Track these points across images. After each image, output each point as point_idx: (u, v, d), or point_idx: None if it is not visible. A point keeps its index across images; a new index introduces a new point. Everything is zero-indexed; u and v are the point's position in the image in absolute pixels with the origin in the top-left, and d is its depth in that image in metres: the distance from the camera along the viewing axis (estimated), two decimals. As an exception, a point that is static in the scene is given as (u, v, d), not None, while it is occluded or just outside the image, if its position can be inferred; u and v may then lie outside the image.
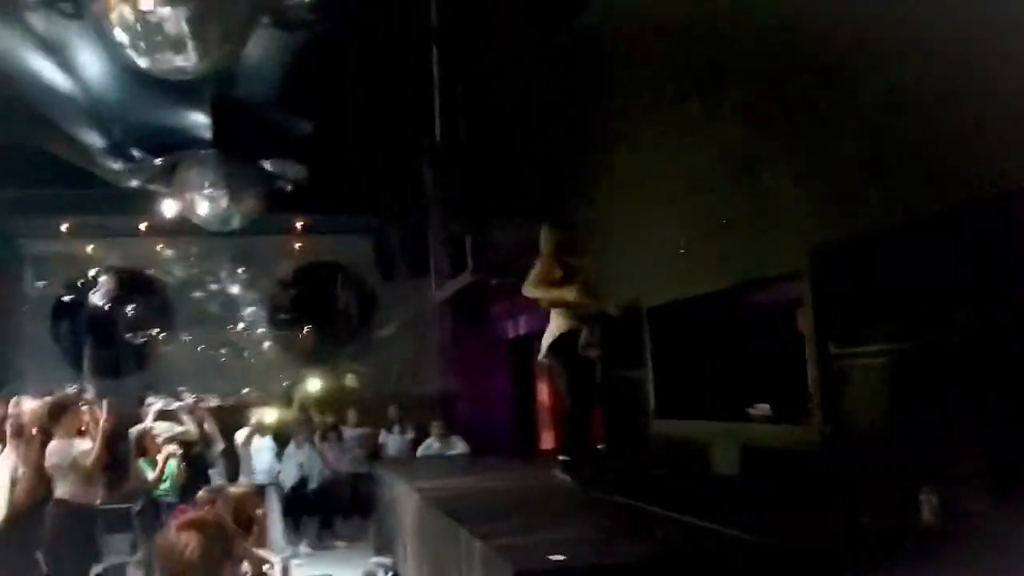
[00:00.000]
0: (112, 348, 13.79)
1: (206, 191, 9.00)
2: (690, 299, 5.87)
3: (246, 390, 14.05)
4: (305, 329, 15.38)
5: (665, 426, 6.31)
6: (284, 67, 8.19)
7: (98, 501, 5.60)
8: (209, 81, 8.05)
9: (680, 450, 6.01)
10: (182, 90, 8.12)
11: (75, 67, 7.62)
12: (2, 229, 11.16)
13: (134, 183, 9.55)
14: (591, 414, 5.42)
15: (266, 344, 15.59)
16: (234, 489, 5.43)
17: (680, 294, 5.99)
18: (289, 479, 8.35)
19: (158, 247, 12.91)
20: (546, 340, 5.28)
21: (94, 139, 8.71)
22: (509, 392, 11.28)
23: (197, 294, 15.01)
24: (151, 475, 6.47)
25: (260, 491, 5.70)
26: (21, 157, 9.85)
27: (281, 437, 8.44)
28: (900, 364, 3.88)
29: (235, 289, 15.15)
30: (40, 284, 13.13)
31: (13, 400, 5.80)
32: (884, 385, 4.00)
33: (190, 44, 5.48)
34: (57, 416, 5.54)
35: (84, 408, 5.68)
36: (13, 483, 5.38)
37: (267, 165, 9.63)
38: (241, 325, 15.56)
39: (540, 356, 5.34)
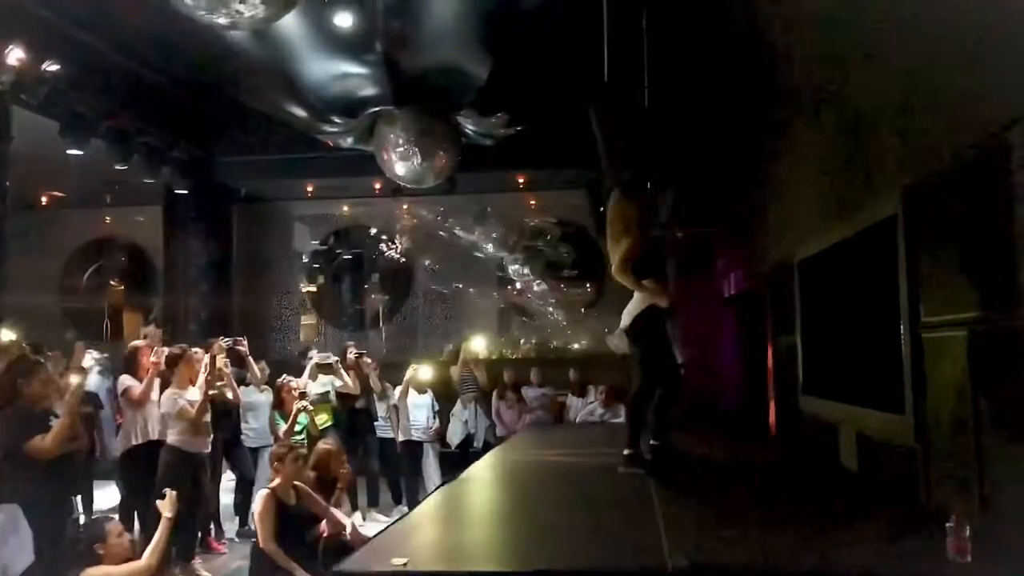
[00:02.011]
0: (406, 301, 14.79)
1: (400, 149, 9.04)
2: (839, 246, 4.78)
3: (526, 344, 14.51)
4: (587, 286, 15.37)
5: (812, 405, 5.24)
6: (461, 18, 7.99)
7: (206, 449, 5.85)
8: (382, 37, 8.07)
9: (816, 440, 4.97)
10: (365, 49, 8.25)
11: (265, 36, 7.94)
12: (258, 194, 12.23)
13: (348, 142, 9.90)
14: (668, 399, 4.59)
15: (550, 301, 15.81)
16: (319, 446, 5.39)
17: (828, 241, 4.90)
18: (455, 437, 8.24)
19: (404, 206, 13.36)
20: (629, 314, 4.54)
21: (298, 106, 9.13)
22: (735, 358, 10.16)
23: (475, 254, 15.54)
24: (283, 427, 6.66)
25: (342, 449, 5.57)
26: (257, 125, 10.73)
27: (448, 395, 8.32)
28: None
29: (490, 247, 15.44)
30: (314, 243, 14.23)
31: (156, 349, 6.22)
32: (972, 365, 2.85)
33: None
34: (171, 366, 5.85)
35: (199, 359, 5.93)
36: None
37: (464, 121, 9.47)
38: (520, 283, 15.89)
39: (620, 328, 4.58)
